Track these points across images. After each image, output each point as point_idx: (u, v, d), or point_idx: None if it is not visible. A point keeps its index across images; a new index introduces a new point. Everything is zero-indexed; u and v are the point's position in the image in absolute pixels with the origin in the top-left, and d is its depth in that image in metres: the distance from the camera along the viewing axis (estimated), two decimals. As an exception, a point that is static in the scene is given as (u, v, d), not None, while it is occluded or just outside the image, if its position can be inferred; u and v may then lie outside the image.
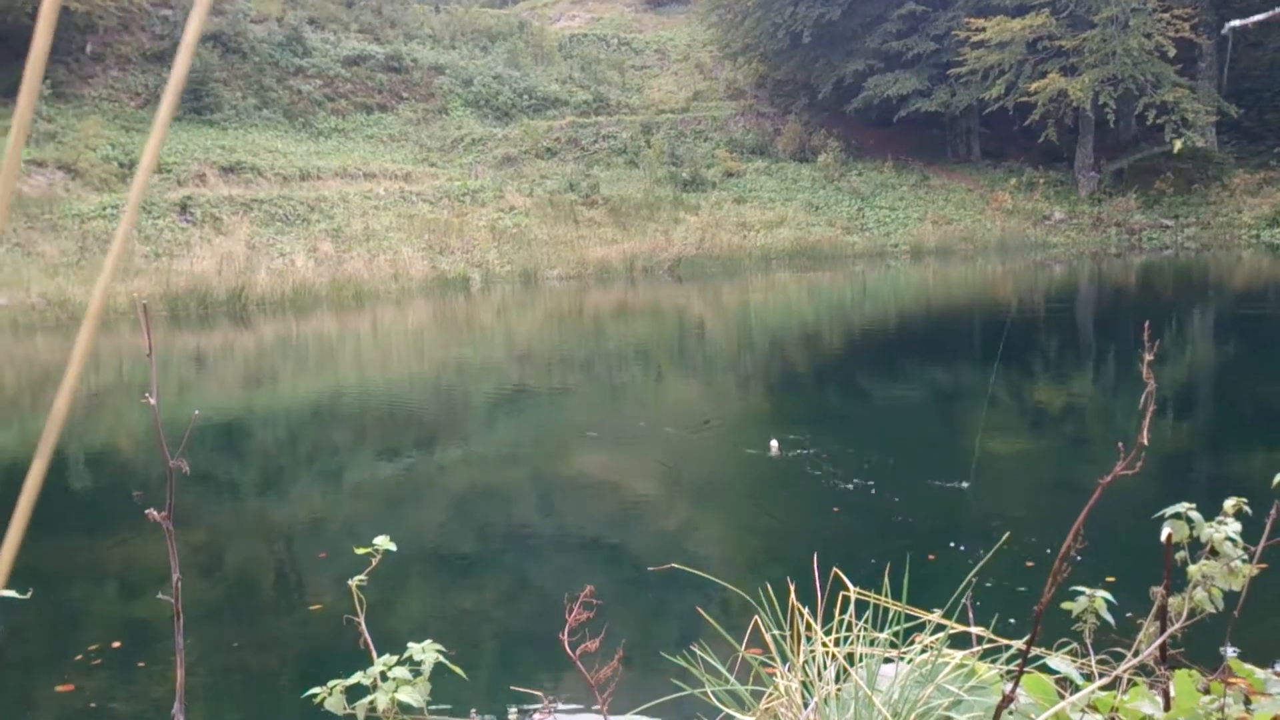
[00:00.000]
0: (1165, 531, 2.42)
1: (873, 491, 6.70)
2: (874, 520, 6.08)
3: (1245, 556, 2.32)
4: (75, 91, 28.82)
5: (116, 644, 4.61)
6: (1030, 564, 4.97)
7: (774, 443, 7.78)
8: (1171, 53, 26.60)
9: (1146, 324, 2.33)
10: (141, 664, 4.42)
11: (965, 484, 6.54)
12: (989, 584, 4.51)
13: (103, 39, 30.28)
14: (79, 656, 4.42)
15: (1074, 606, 2.45)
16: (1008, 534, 3.71)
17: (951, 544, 5.41)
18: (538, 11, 44.48)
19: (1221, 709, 2.20)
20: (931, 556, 5.19)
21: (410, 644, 2.36)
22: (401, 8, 38.44)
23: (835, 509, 6.26)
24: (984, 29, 28.14)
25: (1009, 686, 2.14)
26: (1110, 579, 4.52)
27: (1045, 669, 2.37)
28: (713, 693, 2.59)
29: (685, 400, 11.18)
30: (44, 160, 25.05)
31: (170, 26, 31.88)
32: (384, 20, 37.15)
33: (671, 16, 44.00)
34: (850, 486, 6.84)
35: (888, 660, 2.57)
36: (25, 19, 27.14)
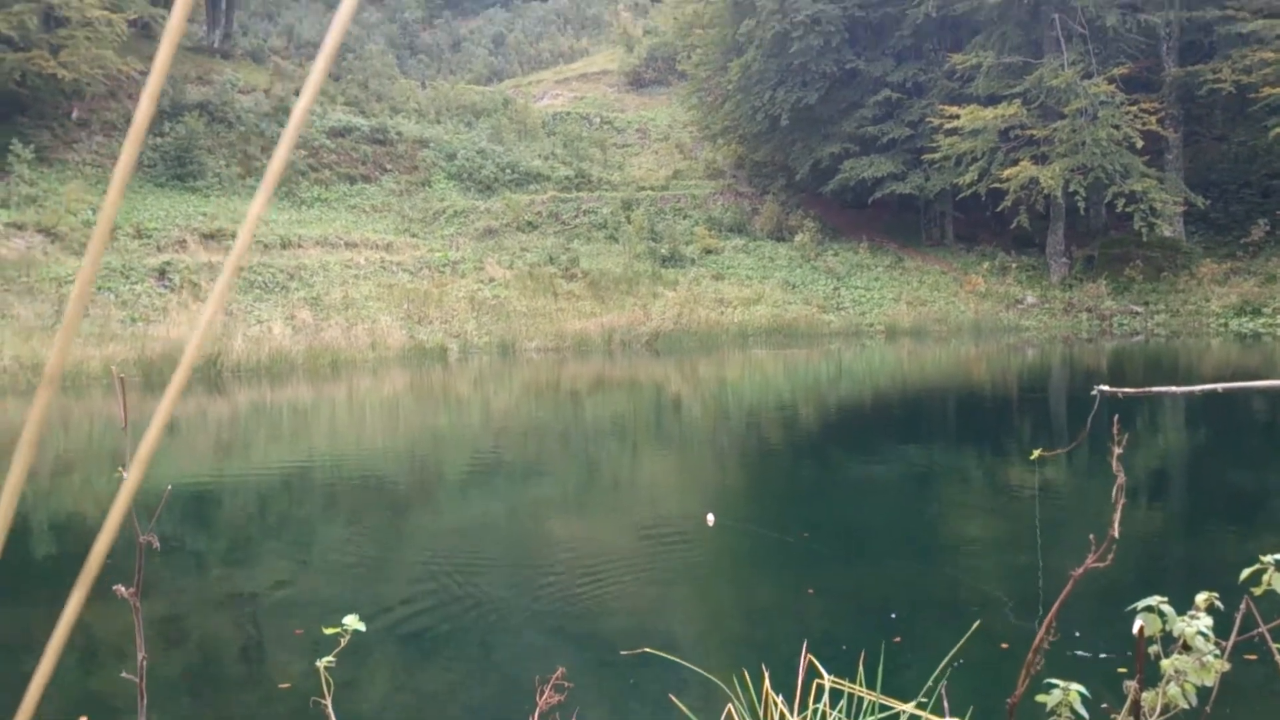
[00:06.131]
0: (1137, 624, 2.43)
1: (849, 572, 6.68)
2: (850, 602, 6.06)
3: (1217, 651, 2.34)
4: (59, 156, 28.94)
5: (83, 719, 4.49)
6: (1005, 646, 4.96)
7: (710, 516, 7.96)
8: (1139, 144, 27.32)
9: (1115, 417, 2.38)
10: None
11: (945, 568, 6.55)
12: (962, 665, 4.49)
13: (89, 105, 30.50)
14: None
15: (1049, 700, 2.46)
16: (977, 623, 3.71)
17: (928, 626, 5.40)
18: (522, 89, 45.27)
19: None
20: (898, 639, 5.17)
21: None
22: (388, 82, 39.04)
23: (810, 590, 6.24)
24: (957, 117, 28.84)
25: (984, 780, 2.13)
26: (1122, 669, 4.50)
27: (1020, 762, 2.35)
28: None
29: (661, 478, 11.15)
30: (23, 223, 25.02)
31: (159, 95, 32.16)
32: (370, 94, 37.69)
33: (653, 97, 44.87)
34: (826, 566, 6.82)
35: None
36: (13, 84, 27.34)
